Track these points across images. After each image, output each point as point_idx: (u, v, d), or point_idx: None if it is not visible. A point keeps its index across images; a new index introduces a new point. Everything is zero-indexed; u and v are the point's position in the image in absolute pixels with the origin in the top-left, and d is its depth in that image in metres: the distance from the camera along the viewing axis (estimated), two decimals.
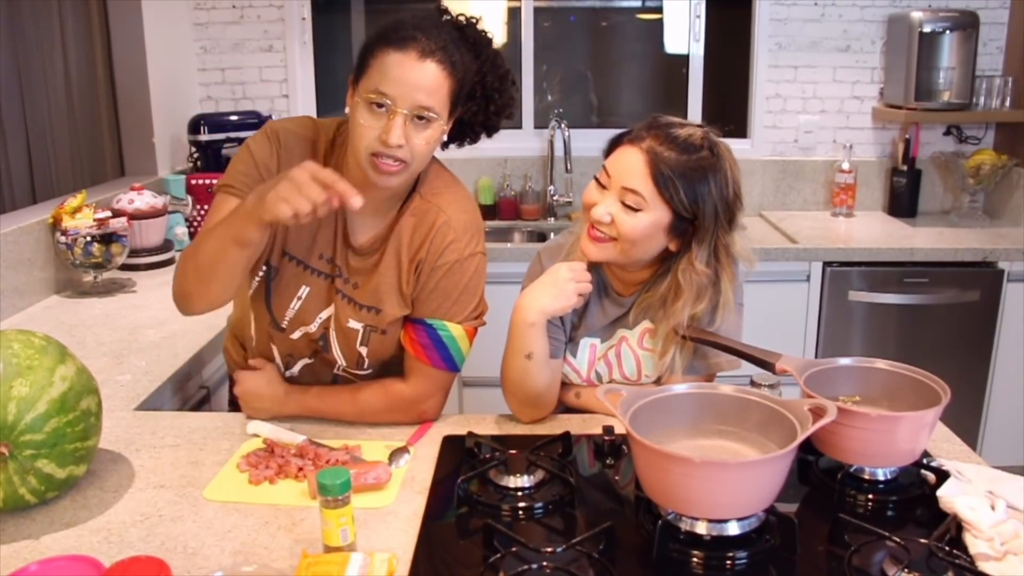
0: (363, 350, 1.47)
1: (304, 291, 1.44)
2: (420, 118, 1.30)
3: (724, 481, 1.07)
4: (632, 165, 1.36)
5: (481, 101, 1.42)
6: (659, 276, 1.47)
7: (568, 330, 1.54)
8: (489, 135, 1.49)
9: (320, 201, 1.18)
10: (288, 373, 1.54)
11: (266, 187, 1.23)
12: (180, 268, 1.38)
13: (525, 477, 1.26)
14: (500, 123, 1.48)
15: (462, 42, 1.35)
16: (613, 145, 1.43)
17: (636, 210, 1.36)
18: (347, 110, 1.37)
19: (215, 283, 1.33)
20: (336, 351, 1.49)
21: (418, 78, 1.28)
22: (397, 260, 1.43)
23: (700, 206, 1.36)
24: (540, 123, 3.50)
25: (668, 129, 1.37)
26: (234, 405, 1.58)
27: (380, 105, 1.28)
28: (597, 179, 1.42)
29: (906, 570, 1.00)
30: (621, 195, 1.37)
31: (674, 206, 1.36)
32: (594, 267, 1.48)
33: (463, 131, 1.46)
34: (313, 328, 1.47)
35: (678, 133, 1.36)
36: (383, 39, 1.31)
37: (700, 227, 1.38)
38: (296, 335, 1.48)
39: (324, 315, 1.46)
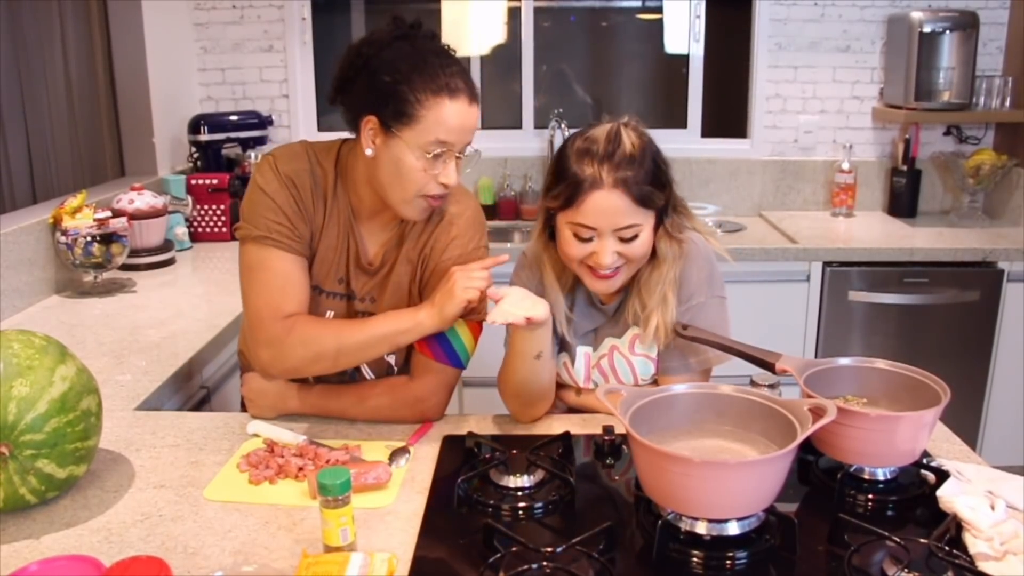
0: (391, 358, 1.50)
1: (329, 315, 1.47)
2: (458, 156, 1.38)
3: (724, 481, 1.07)
4: (614, 207, 1.35)
5: None
6: (634, 289, 1.49)
7: (559, 329, 1.54)
8: None
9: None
10: None
11: (441, 297, 1.37)
12: (301, 354, 1.38)
13: (525, 477, 1.26)
14: None
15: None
16: (572, 197, 1.36)
17: (636, 236, 1.38)
18: (368, 152, 1.35)
19: (342, 368, 1.45)
20: (364, 367, 1.51)
21: (471, 122, 1.37)
22: (409, 263, 1.47)
23: (666, 189, 1.41)
24: (540, 123, 3.50)
25: (611, 152, 1.35)
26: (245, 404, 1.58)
27: (438, 155, 1.34)
28: (576, 236, 1.38)
29: (906, 570, 1.00)
30: (617, 235, 1.37)
31: (656, 207, 1.40)
32: (572, 282, 1.52)
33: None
34: None
35: (620, 149, 1.35)
36: (428, 85, 1.30)
37: (668, 203, 1.43)
38: None
39: None
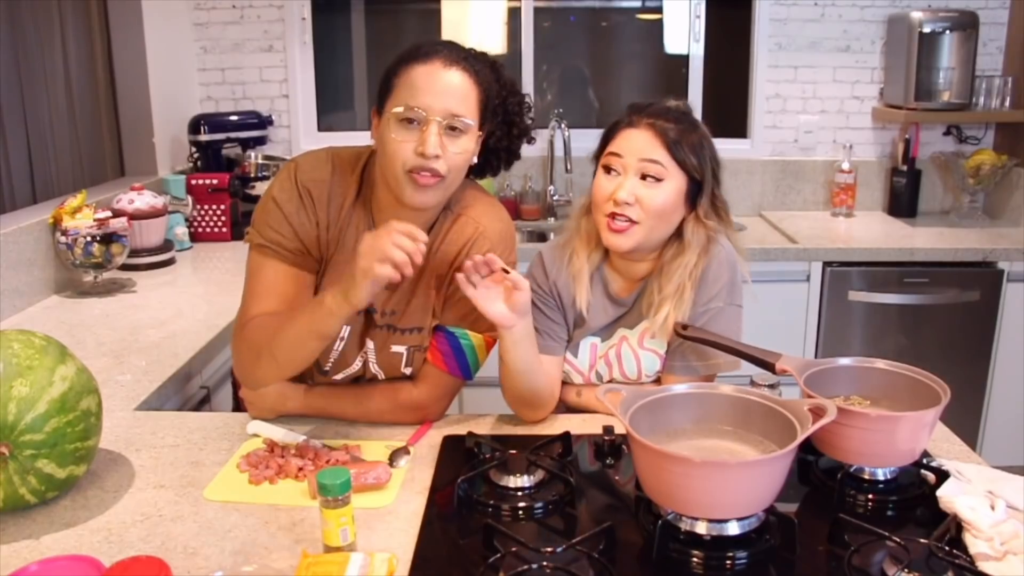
0: (408, 370, 1.48)
1: (346, 331, 1.44)
2: (453, 128, 1.30)
3: (724, 481, 1.07)
4: (644, 139, 1.43)
5: (504, 126, 1.44)
6: (654, 274, 1.50)
7: (571, 329, 1.55)
8: (510, 164, 1.51)
9: (411, 250, 1.20)
10: None
11: (346, 280, 1.23)
12: (246, 355, 1.39)
13: (525, 477, 1.26)
14: (521, 148, 1.50)
15: (480, 61, 1.37)
16: (608, 136, 1.48)
17: (658, 180, 1.42)
18: (372, 142, 1.37)
19: (293, 369, 1.38)
20: (376, 369, 1.48)
21: (446, 85, 1.29)
22: (436, 278, 1.43)
23: (704, 165, 1.45)
24: (540, 123, 3.49)
25: (655, 106, 1.46)
26: (238, 406, 1.58)
27: (411, 120, 1.29)
28: (606, 168, 1.46)
29: (906, 570, 1.00)
30: (640, 170, 1.42)
31: (688, 170, 1.44)
32: (596, 268, 1.52)
33: (488, 159, 1.47)
34: (355, 367, 1.47)
35: (666, 106, 1.47)
36: (404, 59, 1.32)
37: (704, 185, 1.46)
38: (339, 376, 1.48)
39: (362, 351, 1.46)
